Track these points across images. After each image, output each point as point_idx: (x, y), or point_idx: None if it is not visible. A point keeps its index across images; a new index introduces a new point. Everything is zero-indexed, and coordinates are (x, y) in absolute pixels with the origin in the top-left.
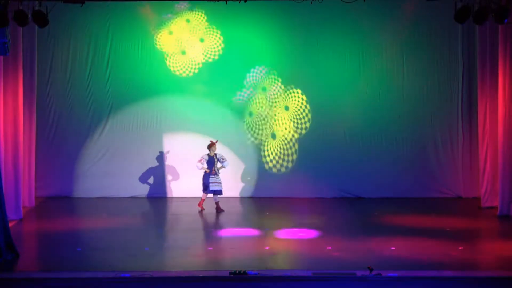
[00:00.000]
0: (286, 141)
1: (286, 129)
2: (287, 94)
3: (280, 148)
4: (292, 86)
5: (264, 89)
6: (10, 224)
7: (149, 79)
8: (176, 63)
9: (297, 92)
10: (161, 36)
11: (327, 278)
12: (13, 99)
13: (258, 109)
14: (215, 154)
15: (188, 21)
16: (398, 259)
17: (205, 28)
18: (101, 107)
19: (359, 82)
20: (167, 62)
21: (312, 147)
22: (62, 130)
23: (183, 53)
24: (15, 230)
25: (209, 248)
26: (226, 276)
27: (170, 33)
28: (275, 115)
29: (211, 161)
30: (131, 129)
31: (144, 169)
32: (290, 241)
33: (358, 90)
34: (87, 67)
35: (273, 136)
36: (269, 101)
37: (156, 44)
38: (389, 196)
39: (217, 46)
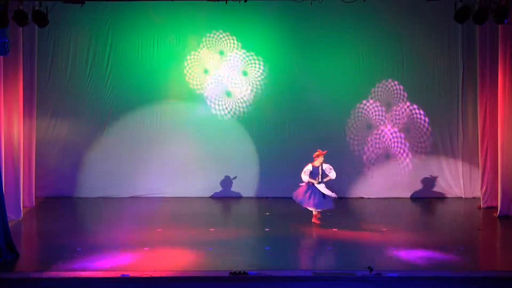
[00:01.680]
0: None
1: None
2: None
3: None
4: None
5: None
6: (10, 224)
7: (149, 79)
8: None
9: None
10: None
11: (327, 278)
12: (13, 99)
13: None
14: (321, 165)
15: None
16: (398, 259)
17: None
18: (101, 107)
19: (359, 82)
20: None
21: (311, 146)
22: (62, 130)
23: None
24: (15, 230)
25: (210, 248)
26: (226, 276)
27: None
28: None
29: (315, 172)
30: (132, 129)
31: (144, 169)
32: (290, 241)
33: (358, 90)
34: (87, 67)
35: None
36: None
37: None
38: (389, 196)
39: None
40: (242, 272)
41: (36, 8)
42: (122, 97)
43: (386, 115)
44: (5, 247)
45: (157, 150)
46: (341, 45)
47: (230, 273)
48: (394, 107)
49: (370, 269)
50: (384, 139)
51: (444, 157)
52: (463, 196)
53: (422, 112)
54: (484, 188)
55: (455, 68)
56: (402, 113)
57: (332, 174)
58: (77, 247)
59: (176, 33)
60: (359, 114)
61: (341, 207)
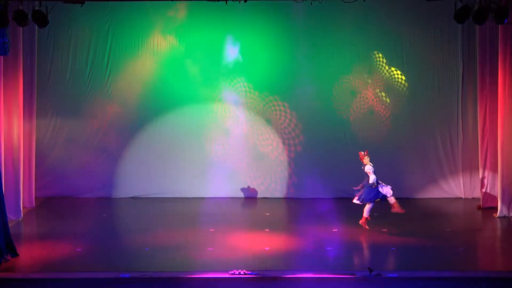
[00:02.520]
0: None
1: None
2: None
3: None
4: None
5: None
6: (10, 224)
7: (149, 78)
8: None
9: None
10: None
11: (327, 278)
12: (13, 99)
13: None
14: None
15: None
16: (398, 259)
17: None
18: (101, 107)
19: (359, 82)
20: None
21: (311, 148)
22: (62, 130)
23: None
24: (15, 230)
25: (209, 249)
26: (226, 276)
27: None
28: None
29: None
30: (131, 128)
31: (144, 169)
32: (290, 241)
33: (358, 90)
34: (87, 67)
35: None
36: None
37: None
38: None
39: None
40: (242, 272)
41: (36, 8)
42: (122, 97)
43: (386, 115)
44: (5, 247)
45: (158, 149)
46: (340, 45)
47: (230, 273)
48: (394, 107)
49: (370, 269)
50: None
51: (444, 157)
52: (463, 196)
53: (422, 112)
54: (484, 188)
55: (455, 68)
56: (402, 112)
57: (371, 177)
58: (77, 247)
59: (177, 33)
60: (359, 114)
61: (341, 207)
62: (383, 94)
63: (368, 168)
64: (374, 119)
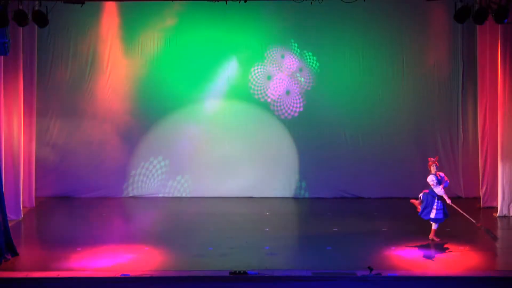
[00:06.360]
0: None
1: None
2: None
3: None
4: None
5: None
6: (10, 224)
7: (149, 78)
8: None
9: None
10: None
11: (327, 278)
12: (13, 99)
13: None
14: (438, 174)
15: None
16: (398, 259)
17: None
18: (101, 107)
19: (359, 82)
20: None
21: (311, 147)
22: (62, 130)
23: None
24: (15, 230)
25: (210, 248)
26: (226, 276)
27: None
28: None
29: (439, 182)
30: (131, 128)
31: (144, 169)
32: (290, 241)
33: (358, 90)
34: (87, 67)
35: None
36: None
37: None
38: (389, 196)
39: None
40: (242, 272)
41: (36, 8)
42: (122, 97)
43: (386, 115)
44: (5, 247)
45: (157, 149)
46: (340, 45)
47: (230, 273)
48: (394, 107)
49: (370, 269)
50: (384, 139)
51: (444, 157)
52: (463, 196)
53: (422, 112)
54: (484, 188)
55: (455, 68)
56: (402, 112)
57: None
58: (77, 247)
59: (178, 33)
60: (359, 114)
61: (341, 207)
62: None
63: (430, 179)
64: (374, 119)
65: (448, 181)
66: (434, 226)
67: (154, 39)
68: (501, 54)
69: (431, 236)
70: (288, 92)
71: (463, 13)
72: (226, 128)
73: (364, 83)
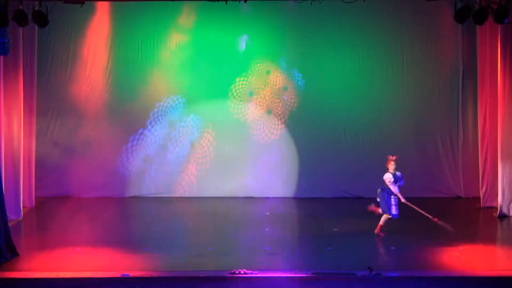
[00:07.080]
0: None
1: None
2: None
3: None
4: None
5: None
6: (10, 224)
7: (148, 78)
8: None
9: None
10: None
11: (327, 278)
12: (13, 99)
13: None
14: (395, 172)
15: None
16: (398, 259)
17: None
18: (101, 107)
19: (359, 82)
20: None
21: (311, 147)
22: (62, 130)
23: None
24: (15, 230)
25: (209, 248)
26: (226, 276)
27: None
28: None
29: (395, 181)
30: (131, 128)
31: (144, 169)
32: (290, 241)
33: (358, 90)
34: (87, 67)
35: None
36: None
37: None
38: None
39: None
40: (242, 272)
41: (36, 8)
42: (122, 96)
43: (386, 115)
44: (5, 247)
45: (157, 149)
46: (340, 45)
47: (230, 273)
48: (394, 107)
49: (370, 269)
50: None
51: (444, 157)
52: (463, 196)
53: (422, 112)
54: (484, 188)
55: (455, 68)
56: (402, 112)
57: (402, 182)
58: (77, 247)
59: (177, 32)
60: (359, 114)
61: (341, 207)
62: None
63: (387, 177)
64: (374, 119)
65: (403, 181)
66: (381, 221)
67: (154, 39)
68: (501, 54)
69: (376, 231)
70: (285, 88)
71: (463, 13)
72: (226, 128)
73: (364, 83)
